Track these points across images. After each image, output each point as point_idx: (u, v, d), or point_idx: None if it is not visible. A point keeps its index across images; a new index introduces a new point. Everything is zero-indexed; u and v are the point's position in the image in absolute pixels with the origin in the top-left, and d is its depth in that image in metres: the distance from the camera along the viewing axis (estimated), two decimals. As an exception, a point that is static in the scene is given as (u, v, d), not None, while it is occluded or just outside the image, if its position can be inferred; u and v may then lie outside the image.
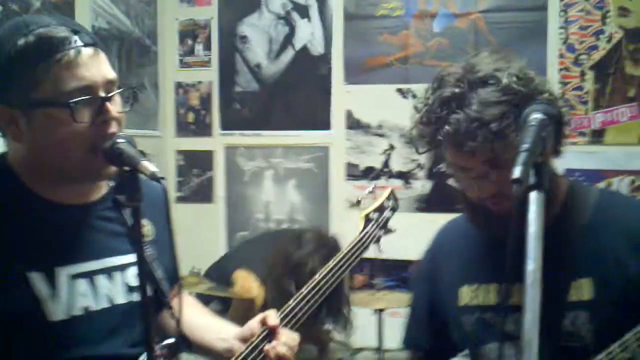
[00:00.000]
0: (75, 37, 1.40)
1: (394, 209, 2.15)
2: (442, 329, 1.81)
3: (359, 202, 2.19)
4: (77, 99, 1.37)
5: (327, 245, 3.16)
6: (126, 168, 1.35)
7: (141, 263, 1.36)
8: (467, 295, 1.71)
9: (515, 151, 1.36)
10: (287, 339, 1.70)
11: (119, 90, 1.47)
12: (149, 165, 1.33)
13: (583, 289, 1.55)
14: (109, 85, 1.44)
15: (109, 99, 1.42)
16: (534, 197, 1.19)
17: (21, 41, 1.37)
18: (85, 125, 1.40)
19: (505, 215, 1.40)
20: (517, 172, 1.14)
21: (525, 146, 1.20)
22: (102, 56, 1.45)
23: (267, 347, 1.68)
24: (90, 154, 1.41)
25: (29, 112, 1.40)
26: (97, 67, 1.42)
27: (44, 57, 1.37)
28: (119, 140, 1.39)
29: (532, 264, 1.14)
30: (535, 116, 1.27)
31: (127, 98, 1.53)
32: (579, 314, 1.54)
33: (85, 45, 1.41)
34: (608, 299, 1.52)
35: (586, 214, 1.60)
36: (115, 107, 1.44)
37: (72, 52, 1.38)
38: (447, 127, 1.49)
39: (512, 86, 1.47)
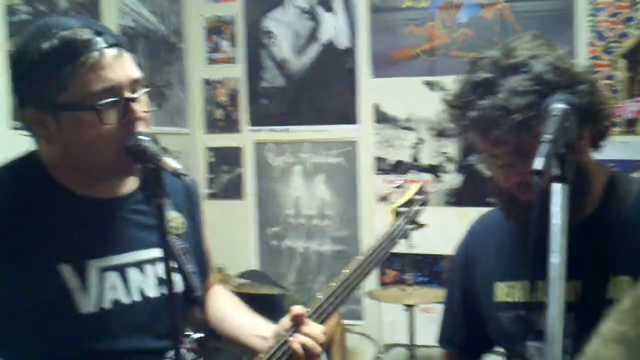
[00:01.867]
0: (99, 39, 1.41)
1: (424, 203, 2.12)
2: (477, 325, 1.76)
3: (386, 197, 2.16)
4: (103, 101, 1.39)
5: None
6: (149, 165, 1.36)
7: (167, 258, 1.37)
8: (503, 291, 1.67)
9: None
10: (312, 330, 1.70)
11: (145, 90, 1.48)
12: (170, 162, 1.34)
13: (622, 286, 1.49)
14: (134, 85, 1.45)
15: (134, 99, 1.44)
16: (557, 188, 1.16)
17: (45, 45, 1.38)
18: (113, 126, 1.41)
19: (531, 206, 1.37)
20: (538, 163, 1.12)
21: (547, 137, 1.17)
22: (127, 56, 1.46)
23: (291, 338, 1.67)
24: (118, 152, 1.42)
25: (58, 115, 1.41)
26: (122, 68, 1.43)
27: (69, 60, 1.38)
28: (141, 138, 1.40)
29: (556, 257, 1.11)
30: (558, 106, 1.24)
31: (154, 97, 1.54)
32: None
33: (109, 46, 1.42)
34: None
35: (627, 206, 1.54)
36: (141, 106, 1.46)
37: (96, 54, 1.39)
38: (472, 112, 1.45)
39: (544, 76, 1.42)
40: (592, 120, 1.45)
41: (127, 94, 1.43)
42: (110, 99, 1.40)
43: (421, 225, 2.07)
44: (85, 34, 1.40)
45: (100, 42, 1.40)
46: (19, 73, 1.45)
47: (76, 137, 1.42)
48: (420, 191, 2.12)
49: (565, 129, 1.21)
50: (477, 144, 1.54)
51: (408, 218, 2.03)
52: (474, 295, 1.77)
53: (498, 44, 1.55)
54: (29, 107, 1.44)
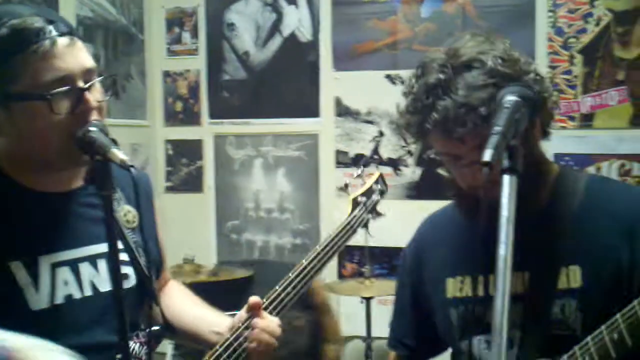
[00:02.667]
0: (50, 27, 1.38)
1: (382, 193, 2.13)
2: (428, 325, 1.77)
3: (346, 187, 2.17)
4: (54, 91, 1.36)
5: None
6: (97, 156, 1.34)
7: (113, 251, 1.35)
8: (454, 287, 1.68)
9: None
10: (268, 324, 1.70)
11: (98, 79, 1.46)
12: (118, 153, 1.32)
13: (573, 277, 1.52)
14: (87, 74, 1.43)
15: (87, 88, 1.41)
16: (506, 180, 1.16)
17: None
18: (64, 116, 1.39)
19: (495, 204, 1.38)
20: (487, 155, 1.12)
21: (497, 129, 1.18)
22: (80, 45, 1.44)
23: (246, 332, 1.67)
24: (69, 141, 1.40)
25: (7, 106, 1.39)
26: (74, 57, 1.41)
27: (19, 49, 1.35)
28: (91, 128, 1.38)
29: (504, 249, 1.11)
30: (509, 98, 1.25)
31: (108, 87, 1.52)
32: (568, 301, 1.52)
33: (61, 34, 1.39)
34: (598, 287, 1.50)
35: (576, 200, 1.57)
36: (95, 96, 1.43)
37: (47, 43, 1.36)
38: (434, 114, 1.45)
39: (498, 68, 1.44)
40: (540, 110, 1.46)
41: (80, 84, 1.40)
42: (61, 89, 1.37)
43: (380, 214, 2.08)
44: (36, 22, 1.37)
45: (51, 30, 1.38)
46: None
47: (27, 128, 1.40)
48: (378, 181, 2.13)
49: (516, 121, 1.21)
50: (438, 146, 1.54)
51: (367, 207, 2.04)
52: (425, 294, 1.78)
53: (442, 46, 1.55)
54: None
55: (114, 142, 1.36)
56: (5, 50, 1.35)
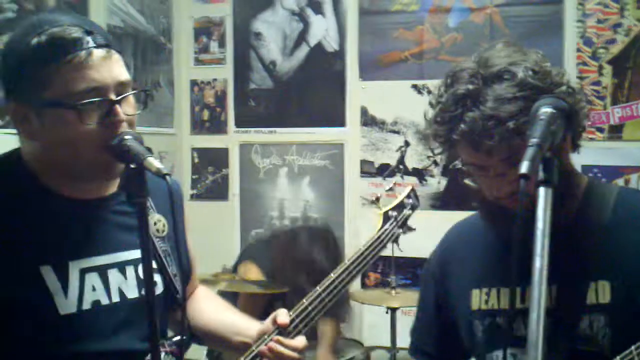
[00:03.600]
0: (88, 38, 1.40)
1: (414, 207, 2.10)
2: (450, 334, 1.75)
3: (377, 200, 2.15)
4: (85, 101, 1.38)
5: (324, 238, 3.55)
6: (132, 165, 1.35)
7: (147, 259, 1.35)
8: (479, 298, 1.65)
9: None
10: (293, 342, 1.70)
11: (130, 93, 1.47)
12: (154, 162, 1.32)
13: (602, 292, 1.49)
14: (120, 87, 1.43)
15: (118, 101, 1.42)
16: (542, 192, 1.15)
17: (34, 40, 1.37)
18: (94, 127, 1.40)
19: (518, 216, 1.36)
20: (524, 167, 1.11)
21: (534, 140, 1.16)
22: (116, 57, 1.45)
23: (263, 347, 1.68)
24: (100, 152, 1.41)
25: (41, 111, 1.40)
26: (109, 69, 1.42)
27: (55, 57, 1.37)
28: (125, 137, 1.39)
29: (539, 261, 1.10)
30: (545, 110, 1.24)
31: (140, 99, 1.53)
32: (596, 317, 1.49)
33: (98, 46, 1.40)
34: (627, 303, 1.47)
35: (605, 213, 1.54)
36: (126, 108, 1.45)
37: (83, 53, 1.38)
38: (462, 126, 1.43)
39: (529, 80, 1.41)
40: (573, 122, 1.45)
41: (112, 96, 1.41)
42: (92, 99, 1.38)
43: (411, 229, 2.06)
44: (75, 32, 1.39)
45: (89, 41, 1.39)
46: (6, 67, 1.44)
47: (57, 135, 1.41)
48: (410, 195, 2.11)
49: (552, 133, 1.20)
50: (465, 157, 1.52)
51: (397, 222, 2.02)
52: (449, 304, 1.76)
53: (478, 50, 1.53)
54: (13, 101, 1.43)
55: (149, 150, 1.37)
56: (42, 58, 1.37)
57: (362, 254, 1.88)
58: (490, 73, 1.44)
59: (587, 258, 1.51)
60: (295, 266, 3.50)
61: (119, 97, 1.43)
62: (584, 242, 1.52)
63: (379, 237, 1.95)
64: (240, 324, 1.81)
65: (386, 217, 2.02)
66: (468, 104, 1.43)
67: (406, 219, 2.06)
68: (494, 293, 1.63)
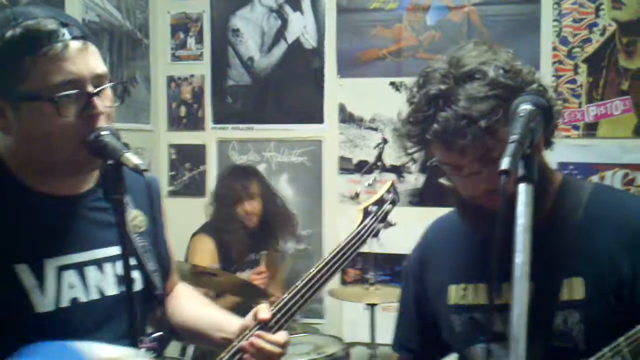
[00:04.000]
0: (64, 30, 1.37)
1: (394, 202, 2.09)
2: (431, 329, 1.77)
3: (357, 195, 2.14)
4: (62, 94, 1.36)
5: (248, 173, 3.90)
6: (110, 160, 1.34)
7: (126, 255, 1.34)
8: (457, 294, 1.67)
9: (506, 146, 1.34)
10: (274, 338, 1.70)
11: (107, 85, 1.45)
12: (131, 157, 1.32)
13: (575, 288, 1.50)
14: (97, 79, 1.42)
15: (96, 93, 1.40)
16: (522, 188, 1.16)
17: (8, 33, 1.35)
18: (71, 120, 1.38)
19: (498, 213, 1.38)
20: (505, 163, 1.12)
21: (514, 137, 1.17)
22: (92, 49, 1.43)
23: (244, 342, 1.67)
24: (77, 146, 1.39)
25: (17, 105, 1.38)
26: (85, 61, 1.40)
27: (31, 50, 1.35)
28: (102, 133, 1.37)
29: (520, 257, 1.11)
30: (524, 107, 1.24)
31: (118, 92, 1.51)
32: (570, 313, 1.50)
33: (74, 38, 1.38)
34: (600, 299, 1.48)
35: (579, 210, 1.55)
36: (104, 101, 1.43)
37: (59, 46, 1.36)
38: (435, 125, 1.44)
39: (500, 79, 1.42)
40: (551, 120, 1.46)
41: (89, 88, 1.40)
42: (69, 92, 1.37)
43: (391, 224, 2.06)
44: (50, 24, 1.37)
45: (65, 33, 1.37)
46: None
47: (34, 129, 1.39)
48: (390, 190, 2.11)
49: (531, 130, 1.21)
50: (439, 156, 1.53)
51: (378, 217, 2.02)
52: (428, 300, 1.78)
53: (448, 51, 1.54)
54: None
55: (126, 146, 1.35)
56: (17, 50, 1.35)
57: (342, 248, 1.87)
58: (461, 73, 1.45)
59: (561, 255, 1.52)
60: (229, 204, 3.80)
61: (96, 90, 1.41)
62: (558, 238, 1.53)
63: (358, 232, 1.95)
64: (220, 320, 1.80)
65: (366, 212, 2.02)
66: (440, 104, 1.44)
67: (386, 213, 2.05)
68: (470, 288, 1.65)
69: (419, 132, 1.49)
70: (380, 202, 2.05)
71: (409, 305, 1.86)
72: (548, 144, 1.55)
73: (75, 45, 1.38)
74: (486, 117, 1.39)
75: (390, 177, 4.23)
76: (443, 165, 1.55)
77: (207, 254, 3.74)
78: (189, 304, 1.85)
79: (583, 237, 1.53)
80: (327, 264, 1.83)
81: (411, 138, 1.54)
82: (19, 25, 1.36)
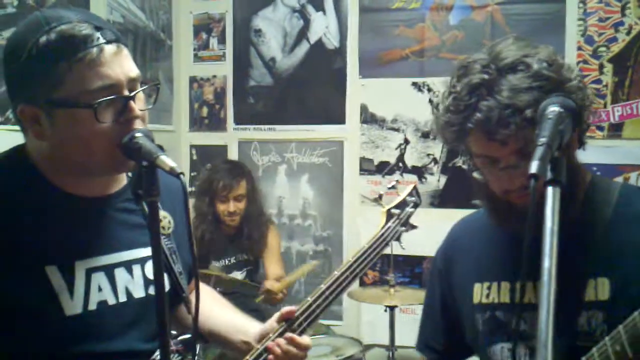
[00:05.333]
0: (98, 34, 1.36)
1: (416, 205, 2.10)
2: (456, 330, 1.77)
3: (380, 197, 2.14)
4: (100, 100, 1.35)
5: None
6: (144, 162, 1.32)
7: (157, 257, 1.33)
8: (480, 292, 1.67)
9: None
10: (301, 341, 1.69)
11: (142, 88, 1.44)
12: (167, 160, 1.29)
13: (601, 289, 1.49)
14: (132, 82, 1.41)
15: (132, 97, 1.40)
16: (550, 192, 1.15)
17: (42, 39, 1.33)
18: (109, 125, 1.37)
19: (527, 211, 1.36)
20: (534, 167, 1.11)
21: (543, 140, 1.16)
22: (125, 52, 1.42)
23: (271, 343, 1.67)
24: (112, 150, 1.38)
25: (52, 111, 1.37)
26: (120, 65, 1.39)
27: (66, 55, 1.33)
28: (137, 135, 1.36)
29: (548, 261, 1.10)
30: (553, 109, 1.24)
31: (149, 94, 1.51)
32: (595, 313, 1.49)
33: (108, 42, 1.37)
34: (625, 300, 1.46)
35: (607, 210, 1.54)
36: (138, 104, 1.42)
37: (94, 50, 1.34)
38: (478, 114, 1.43)
39: (543, 72, 1.42)
40: (580, 120, 1.44)
41: (125, 92, 1.39)
42: (107, 97, 1.36)
43: (413, 227, 2.05)
44: (84, 29, 1.35)
45: (99, 37, 1.35)
46: (12, 67, 1.38)
47: (70, 134, 1.38)
48: (413, 193, 2.11)
49: (560, 132, 1.20)
50: (477, 148, 1.52)
51: (400, 220, 2.02)
52: (453, 299, 1.77)
53: (484, 46, 1.54)
54: (22, 101, 1.39)
55: (161, 148, 1.34)
56: (53, 56, 1.33)
57: (365, 251, 1.88)
58: (504, 64, 1.45)
59: (588, 254, 1.51)
60: (209, 202, 3.85)
61: (132, 94, 1.40)
62: (585, 238, 1.52)
63: (382, 235, 1.95)
64: (241, 323, 1.80)
65: (389, 215, 2.02)
66: (483, 93, 1.43)
67: (409, 216, 2.05)
68: (494, 287, 1.65)
69: (460, 121, 1.48)
70: (402, 205, 2.05)
71: (434, 304, 1.86)
72: (581, 143, 1.54)
73: (110, 49, 1.37)
74: (530, 107, 1.38)
75: (412, 178, 4.22)
76: (479, 158, 1.53)
77: None
78: (211, 306, 1.85)
79: (610, 237, 1.51)
80: (350, 266, 1.83)
81: (450, 127, 1.52)
82: (53, 31, 1.34)
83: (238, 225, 3.88)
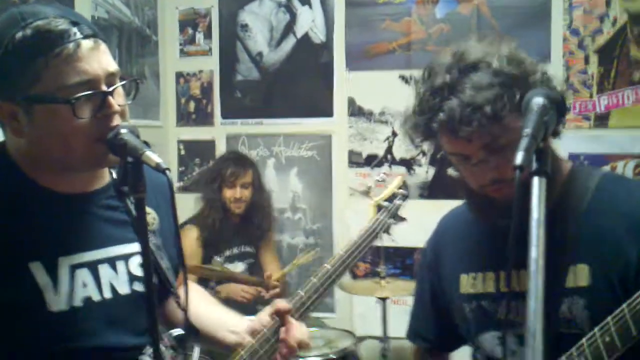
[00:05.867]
0: (75, 29, 1.35)
1: (404, 197, 2.12)
2: (445, 319, 1.80)
3: (369, 190, 2.16)
4: (78, 95, 1.34)
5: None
6: (129, 159, 1.32)
7: (146, 254, 1.34)
8: (467, 283, 1.71)
9: (512, 134, 1.36)
10: (300, 335, 1.71)
11: (121, 83, 1.43)
12: (153, 156, 1.30)
13: (580, 275, 1.52)
14: (110, 77, 1.40)
15: (110, 93, 1.39)
16: (536, 182, 1.17)
17: (18, 34, 1.33)
18: (87, 120, 1.37)
19: (506, 203, 1.39)
20: (519, 158, 1.13)
21: (528, 131, 1.18)
22: (103, 47, 1.41)
23: (283, 335, 1.68)
24: (93, 145, 1.38)
25: (29, 107, 1.36)
26: (98, 60, 1.38)
27: (43, 51, 1.33)
28: (122, 131, 1.36)
29: (535, 251, 1.11)
30: (537, 100, 1.25)
31: (129, 89, 1.50)
32: (576, 300, 1.52)
33: (85, 37, 1.36)
34: (605, 286, 1.50)
35: (586, 198, 1.57)
36: (117, 99, 1.42)
37: (71, 46, 1.34)
38: (441, 114, 1.48)
39: (503, 69, 1.47)
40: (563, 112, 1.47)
41: (103, 87, 1.38)
42: (85, 93, 1.35)
43: (402, 219, 2.08)
44: (61, 24, 1.35)
45: (76, 32, 1.35)
46: None
47: (48, 131, 1.38)
48: (401, 185, 2.13)
49: (545, 123, 1.22)
50: (446, 147, 1.56)
51: (389, 212, 2.04)
52: (442, 290, 1.81)
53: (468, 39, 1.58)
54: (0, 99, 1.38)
55: (146, 144, 1.34)
56: (29, 52, 1.33)
57: (356, 244, 1.90)
58: (466, 64, 1.50)
59: (567, 242, 1.54)
60: (216, 188, 3.89)
61: (110, 89, 1.39)
62: (564, 226, 1.55)
63: (372, 228, 1.97)
64: (229, 320, 1.80)
65: (378, 208, 2.04)
66: (446, 94, 1.49)
67: (397, 209, 2.07)
68: (480, 277, 1.69)
69: (425, 123, 1.53)
70: (391, 198, 2.07)
71: (424, 295, 1.89)
72: (555, 133, 1.56)
73: (87, 44, 1.36)
74: (490, 104, 1.43)
75: (400, 170, 4.23)
76: (451, 155, 1.58)
77: (189, 245, 3.76)
78: (197, 302, 1.85)
79: (589, 224, 1.54)
80: (341, 259, 1.85)
81: (418, 129, 1.58)
82: (29, 26, 1.33)
83: (243, 213, 3.93)
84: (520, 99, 1.38)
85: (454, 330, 1.79)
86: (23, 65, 1.33)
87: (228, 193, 3.88)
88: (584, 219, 1.55)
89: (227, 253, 3.94)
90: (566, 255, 1.53)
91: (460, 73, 1.49)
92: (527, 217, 1.14)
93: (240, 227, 3.96)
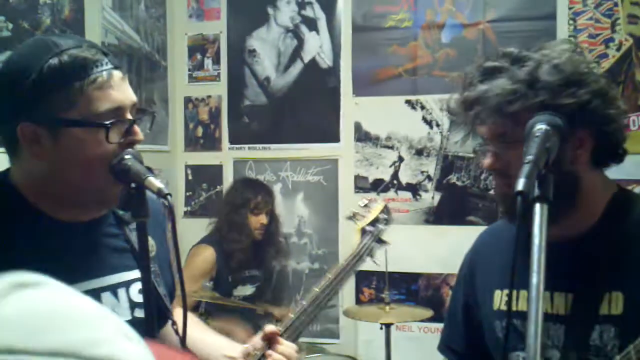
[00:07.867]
0: (106, 59, 1.41)
1: (387, 222, 2.18)
2: (476, 334, 1.78)
3: (354, 216, 2.23)
4: (112, 120, 1.39)
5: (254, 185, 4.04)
6: (132, 184, 1.35)
7: (147, 281, 1.34)
8: (500, 299, 1.69)
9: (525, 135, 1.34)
10: (286, 349, 1.74)
11: (146, 114, 1.52)
12: (155, 182, 1.33)
13: (615, 303, 1.49)
14: (133, 107, 1.46)
15: (136, 121, 1.45)
16: (537, 209, 1.17)
17: (54, 60, 1.36)
18: (115, 146, 1.40)
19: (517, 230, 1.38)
20: (520, 184, 1.13)
21: (529, 157, 1.18)
22: (126, 78, 1.47)
23: (268, 353, 1.71)
24: (109, 175, 1.41)
25: (57, 131, 1.39)
26: (125, 90, 1.44)
27: (79, 77, 1.37)
28: (125, 157, 1.39)
29: (536, 277, 1.11)
30: (540, 127, 1.26)
31: (146, 121, 1.58)
32: (607, 328, 1.49)
33: (115, 67, 1.43)
34: (638, 316, 1.46)
35: (626, 224, 1.53)
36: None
37: (105, 73, 1.39)
38: (493, 89, 1.45)
39: (538, 72, 1.43)
40: (590, 127, 1.44)
41: (128, 116, 1.44)
42: (117, 119, 1.40)
43: (385, 243, 2.13)
44: (94, 53, 1.40)
45: (107, 62, 1.41)
46: (12, 88, 1.39)
47: (74, 154, 1.40)
48: (384, 210, 2.18)
49: (547, 149, 1.22)
50: (487, 130, 1.52)
51: (374, 236, 2.09)
52: (476, 304, 1.79)
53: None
54: (24, 121, 1.39)
55: (150, 170, 1.37)
56: (65, 77, 1.37)
57: (343, 268, 1.97)
58: (522, 56, 1.48)
59: (604, 268, 1.51)
60: (243, 213, 3.90)
61: (135, 118, 1.45)
62: (602, 252, 1.51)
63: (357, 251, 2.05)
64: (223, 344, 1.83)
65: (364, 232, 2.10)
66: (487, 77, 1.47)
67: (380, 233, 2.14)
68: (513, 295, 1.64)
69: (472, 99, 1.51)
70: (374, 222, 2.13)
71: (457, 308, 1.88)
72: (597, 162, 1.53)
73: (117, 74, 1.43)
74: (500, 97, 1.42)
75: (406, 195, 4.23)
76: (489, 141, 1.54)
77: (203, 262, 3.79)
78: (192, 329, 1.86)
79: (628, 251, 1.51)
80: (330, 283, 1.91)
81: (464, 106, 1.55)
82: (65, 53, 1.38)
83: (260, 240, 3.96)
84: (546, 106, 1.36)
85: (482, 346, 1.77)
86: (56, 89, 1.37)
87: (254, 219, 3.91)
88: (625, 244, 1.51)
89: (238, 275, 3.94)
90: (602, 282, 1.50)
91: (511, 63, 1.47)
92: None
93: (253, 251, 3.97)
